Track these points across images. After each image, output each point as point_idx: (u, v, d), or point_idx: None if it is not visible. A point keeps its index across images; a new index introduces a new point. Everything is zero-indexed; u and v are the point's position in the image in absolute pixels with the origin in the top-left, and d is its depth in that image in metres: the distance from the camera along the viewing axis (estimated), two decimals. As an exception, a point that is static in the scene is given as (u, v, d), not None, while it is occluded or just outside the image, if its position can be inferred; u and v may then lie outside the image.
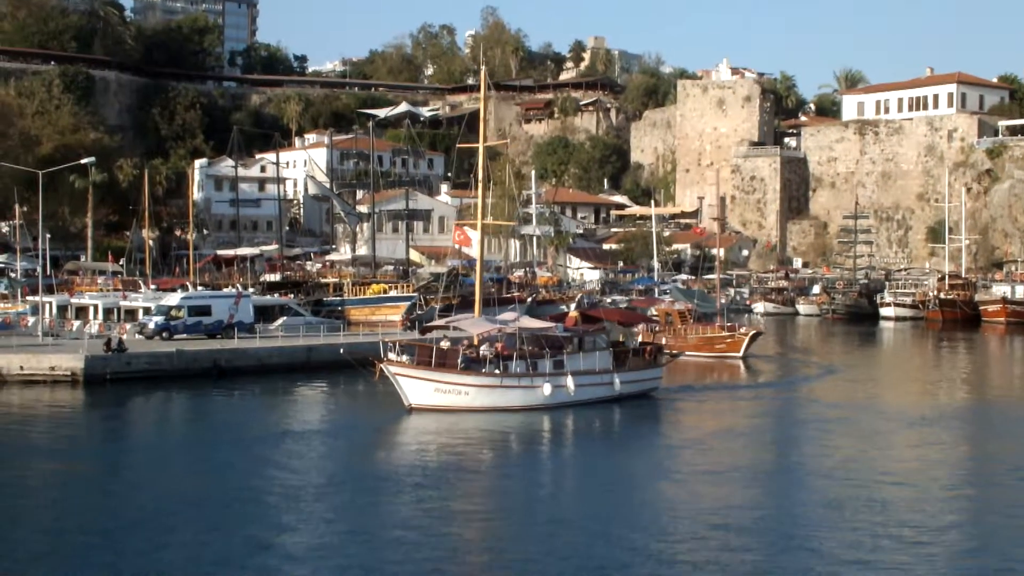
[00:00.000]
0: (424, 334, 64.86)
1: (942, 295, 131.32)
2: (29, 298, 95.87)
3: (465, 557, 32.53)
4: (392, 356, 57.16)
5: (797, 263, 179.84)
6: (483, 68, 70.71)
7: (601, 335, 63.31)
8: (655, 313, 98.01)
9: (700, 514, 37.00)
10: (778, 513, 37.63)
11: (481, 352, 58.32)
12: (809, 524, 35.85)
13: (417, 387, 56.44)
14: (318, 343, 74.65)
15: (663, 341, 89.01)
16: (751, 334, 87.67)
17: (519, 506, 38.98)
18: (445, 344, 58.88)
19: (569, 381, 58.32)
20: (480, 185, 69.21)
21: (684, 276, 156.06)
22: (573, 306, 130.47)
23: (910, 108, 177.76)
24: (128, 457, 48.42)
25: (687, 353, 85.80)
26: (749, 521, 36.22)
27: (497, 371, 57.50)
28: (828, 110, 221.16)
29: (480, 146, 66.02)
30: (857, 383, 76.14)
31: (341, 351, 66.69)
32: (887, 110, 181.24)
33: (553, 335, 60.92)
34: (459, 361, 57.19)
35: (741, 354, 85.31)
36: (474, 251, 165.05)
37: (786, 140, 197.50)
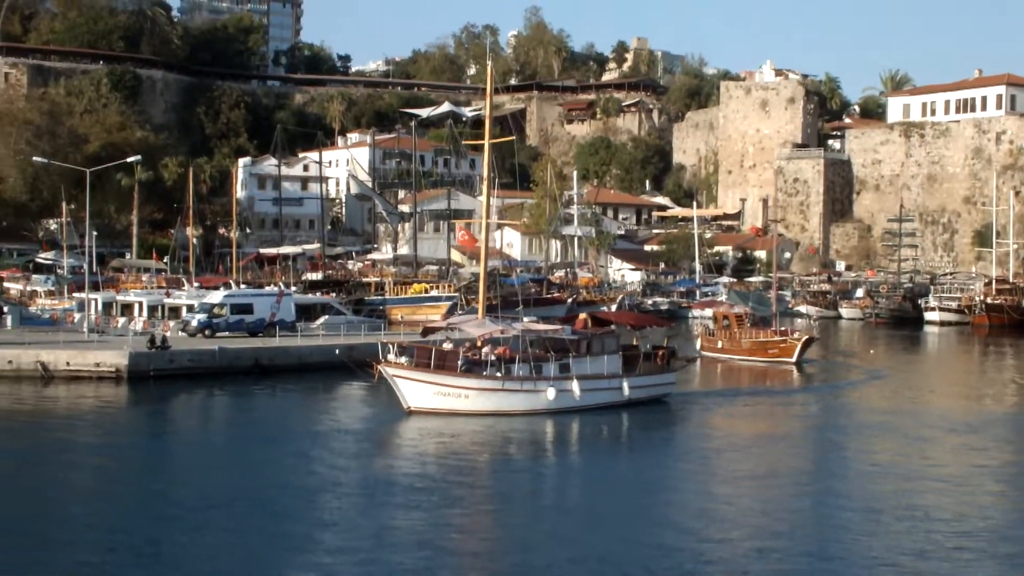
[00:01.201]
0: (426, 335, 62.86)
1: (989, 300, 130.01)
2: (75, 295, 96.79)
3: (472, 564, 32.24)
4: (391, 358, 56.06)
5: (840, 266, 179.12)
6: (490, 63, 69.92)
7: (611, 338, 61.46)
8: (711, 315, 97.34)
9: (719, 521, 36.56)
10: (806, 521, 37.11)
11: (483, 355, 56.88)
12: (845, 532, 35.30)
13: (416, 389, 55.33)
14: (359, 342, 74.81)
15: (718, 344, 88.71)
16: (803, 339, 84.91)
17: (524, 511, 38.28)
18: (448, 346, 57.69)
19: (574, 385, 56.63)
20: (486, 183, 67.91)
21: (726, 279, 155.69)
22: (614, 307, 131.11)
23: (957, 110, 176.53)
24: (168, 453, 48.76)
25: (742, 358, 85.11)
26: (779, 528, 35.91)
27: (499, 374, 55.98)
28: (873, 112, 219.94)
29: (486, 143, 64.79)
30: (900, 388, 75.14)
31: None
32: (933, 112, 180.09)
33: (559, 338, 59.17)
34: (459, 363, 55.77)
35: (794, 360, 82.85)
36: (515, 251, 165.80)
37: (830, 142, 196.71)
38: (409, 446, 50.01)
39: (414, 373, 55.41)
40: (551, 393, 55.95)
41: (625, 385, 59.22)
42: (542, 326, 62.64)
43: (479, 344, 58.09)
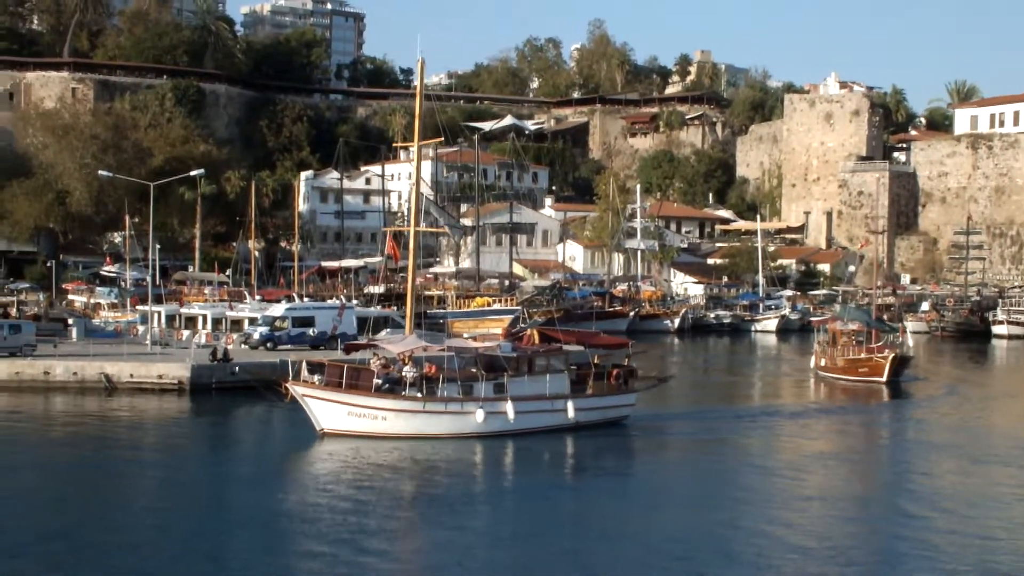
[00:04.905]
0: (348, 353, 58.98)
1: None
2: (139, 307, 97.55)
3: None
4: (305, 375, 52.62)
5: (905, 279, 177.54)
6: (420, 59, 67.00)
7: (556, 356, 56.86)
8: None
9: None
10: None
11: (403, 373, 52.86)
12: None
13: (328, 410, 51.76)
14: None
15: (821, 362, 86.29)
16: (891, 357, 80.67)
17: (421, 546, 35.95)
18: (375, 363, 53.66)
19: (508, 407, 52.29)
20: (416, 186, 65.78)
21: (789, 292, 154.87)
22: (677, 321, 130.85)
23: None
24: (224, 466, 48.89)
25: (837, 377, 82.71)
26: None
27: (419, 394, 51.98)
28: (940, 124, 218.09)
29: (415, 145, 63.32)
30: (964, 404, 74.08)
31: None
32: (1002, 123, 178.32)
33: (493, 355, 54.76)
34: (377, 382, 51.94)
35: (884, 379, 79.15)
36: (577, 264, 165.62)
37: (895, 155, 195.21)
38: (307, 474, 47.05)
39: (325, 392, 51.98)
40: (480, 415, 51.77)
41: (570, 407, 54.72)
42: (474, 343, 59.32)
43: (403, 362, 53.99)
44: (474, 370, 53.86)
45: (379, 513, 38.78)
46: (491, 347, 56.59)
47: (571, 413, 54.63)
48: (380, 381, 52.06)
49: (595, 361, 59.41)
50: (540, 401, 54.50)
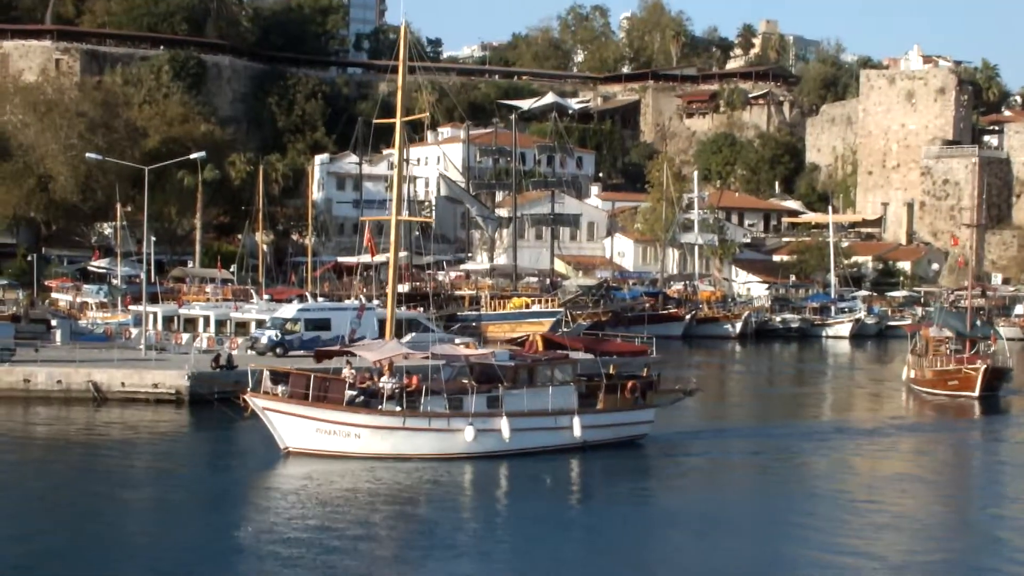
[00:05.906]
0: (320, 360, 56.55)
1: None
2: (131, 307, 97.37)
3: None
4: (267, 386, 51.45)
5: (996, 279, 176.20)
6: (404, 23, 66.14)
7: (561, 365, 55.33)
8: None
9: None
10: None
11: (381, 385, 51.39)
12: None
13: (294, 426, 50.69)
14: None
15: (912, 374, 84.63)
16: (983, 369, 78.72)
17: None
18: (348, 372, 52.44)
19: (503, 423, 50.89)
20: (398, 171, 65.50)
21: (864, 293, 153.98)
22: (739, 325, 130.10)
23: None
24: (226, 487, 48.37)
25: (926, 390, 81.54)
26: None
27: (399, 408, 50.56)
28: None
29: (397, 121, 62.25)
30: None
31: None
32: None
33: (486, 364, 53.51)
34: (349, 394, 50.73)
35: (977, 394, 77.64)
36: (627, 261, 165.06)
37: (986, 138, 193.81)
38: (260, 502, 45.32)
39: (288, 406, 50.86)
40: (469, 433, 50.30)
41: (577, 424, 52.94)
42: (464, 349, 57.79)
43: (385, 371, 52.29)
44: (464, 381, 52.74)
45: (347, 550, 37.37)
46: (484, 355, 55.80)
47: (577, 431, 53.00)
48: (353, 393, 50.98)
49: (610, 371, 57.97)
50: (541, 417, 52.95)
